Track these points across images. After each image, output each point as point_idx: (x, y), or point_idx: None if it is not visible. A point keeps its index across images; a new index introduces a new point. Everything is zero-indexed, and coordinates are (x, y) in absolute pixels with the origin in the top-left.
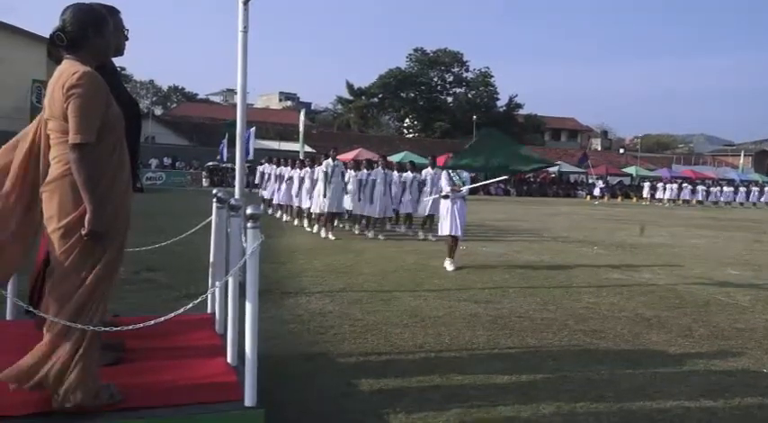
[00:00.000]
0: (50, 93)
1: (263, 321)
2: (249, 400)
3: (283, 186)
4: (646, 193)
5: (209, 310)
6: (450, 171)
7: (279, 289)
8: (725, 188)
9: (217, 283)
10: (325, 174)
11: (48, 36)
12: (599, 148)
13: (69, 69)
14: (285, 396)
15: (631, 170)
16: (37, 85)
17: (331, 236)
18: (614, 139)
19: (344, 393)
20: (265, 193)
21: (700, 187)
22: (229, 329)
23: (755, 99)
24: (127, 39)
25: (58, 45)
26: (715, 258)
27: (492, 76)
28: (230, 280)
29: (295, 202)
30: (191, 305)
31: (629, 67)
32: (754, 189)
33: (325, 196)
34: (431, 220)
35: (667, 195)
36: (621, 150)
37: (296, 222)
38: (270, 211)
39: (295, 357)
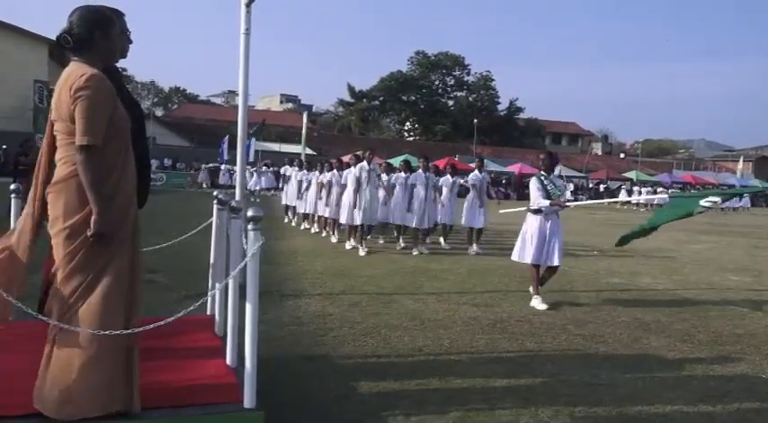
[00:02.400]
0: (57, 94)
1: (262, 323)
2: (249, 401)
3: (309, 193)
4: (623, 195)
5: (208, 312)
6: (543, 177)
7: (279, 291)
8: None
9: (217, 285)
10: (357, 179)
11: (50, 37)
12: (599, 153)
13: (77, 71)
14: (285, 398)
15: (632, 175)
16: (38, 85)
17: (362, 251)
18: (615, 144)
19: (344, 395)
20: (289, 201)
21: (672, 191)
22: (229, 331)
23: (756, 104)
24: (131, 42)
25: (65, 47)
26: (715, 264)
27: (493, 80)
28: (230, 282)
29: (320, 211)
30: (192, 307)
31: (630, 71)
32: None
33: (356, 205)
34: (479, 233)
35: (643, 199)
36: (622, 155)
37: (324, 233)
38: (294, 222)
39: (295, 359)
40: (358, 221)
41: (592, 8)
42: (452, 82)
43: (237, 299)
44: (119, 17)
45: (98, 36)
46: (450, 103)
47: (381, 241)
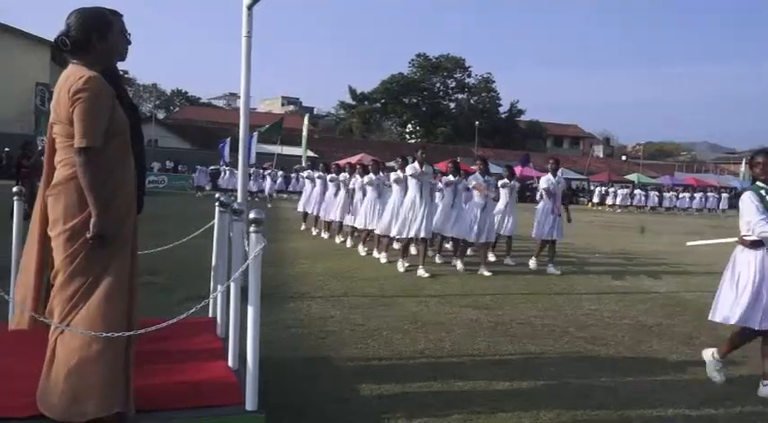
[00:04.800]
0: (56, 97)
1: (264, 325)
2: (250, 404)
3: (336, 199)
4: (596, 198)
5: (210, 314)
6: (765, 190)
7: (280, 293)
8: (681, 194)
9: (219, 287)
10: (398, 181)
11: (53, 40)
12: (601, 155)
13: (75, 74)
14: (286, 400)
15: (633, 177)
16: (40, 88)
17: (424, 272)
18: (617, 146)
19: (345, 398)
20: (308, 207)
21: (652, 193)
22: (231, 333)
23: (759, 107)
24: (129, 42)
25: (63, 50)
26: (716, 266)
27: (494, 82)
28: (232, 284)
29: (349, 220)
30: (194, 309)
31: (631, 74)
32: (711, 195)
33: (398, 215)
34: (552, 247)
35: (619, 201)
36: (624, 157)
37: (349, 243)
38: (327, 234)
39: (296, 362)
40: (411, 234)
41: (592, 10)
42: (453, 84)
43: (239, 301)
44: (117, 18)
45: (96, 38)
46: (452, 105)
47: (438, 260)
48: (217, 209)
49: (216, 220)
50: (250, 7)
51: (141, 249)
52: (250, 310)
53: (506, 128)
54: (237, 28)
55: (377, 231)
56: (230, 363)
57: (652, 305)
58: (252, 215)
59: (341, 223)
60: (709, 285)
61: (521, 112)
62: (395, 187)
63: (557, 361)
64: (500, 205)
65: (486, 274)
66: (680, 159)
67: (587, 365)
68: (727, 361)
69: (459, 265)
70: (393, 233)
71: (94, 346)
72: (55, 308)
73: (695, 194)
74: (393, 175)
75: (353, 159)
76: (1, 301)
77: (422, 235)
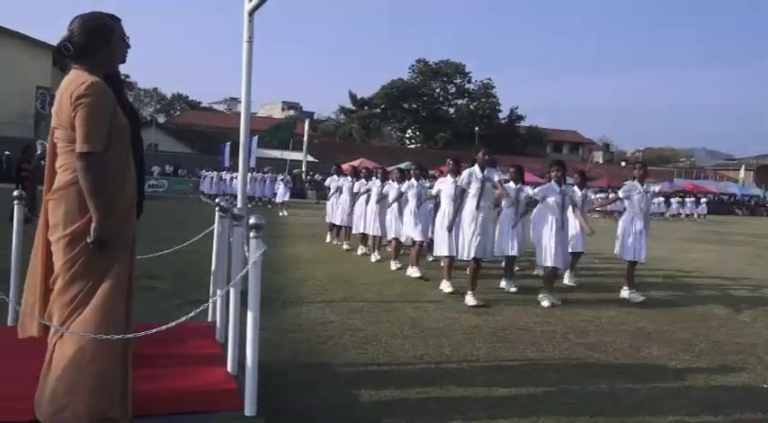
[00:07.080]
0: (58, 102)
1: (263, 330)
2: (249, 409)
3: (368, 209)
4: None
5: (209, 319)
6: None
7: (279, 298)
8: (654, 199)
9: (219, 292)
10: (462, 192)
11: (54, 44)
12: (601, 161)
13: (77, 79)
14: (285, 406)
15: None
16: (41, 91)
17: (471, 300)
18: (616, 152)
19: (344, 403)
20: (335, 218)
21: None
22: (230, 338)
23: (758, 113)
24: (129, 46)
25: (66, 55)
26: (715, 272)
27: (494, 88)
28: (232, 289)
29: (391, 233)
30: (193, 313)
31: (630, 80)
32: (688, 200)
33: (449, 230)
34: (632, 268)
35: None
36: (623, 163)
37: (393, 265)
38: (348, 244)
39: (295, 367)
40: (468, 255)
41: (592, 16)
42: (453, 90)
43: (239, 306)
44: (117, 23)
45: (98, 44)
46: (451, 110)
47: (513, 288)
48: (217, 214)
49: (216, 225)
50: (251, 13)
51: (141, 254)
52: (249, 315)
53: (506, 133)
54: (238, 33)
55: (436, 253)
56: (229, 368)
57: (651, 311)
58: (252, 220)
59: (365, 235)
60: (708, 291)
61: (520, 117)
62: (444, 196)
63: (556, 367)
64: (572, 221)
65: (546, 304)
66: (679, 165)
67: (586, 372)
68: (726, 368)
69: (546, 300)
70: (466, 255)
71: (89, 349)
72: (54, 312)
73: (671, 200)
74: (439, 182)
75: (354, 163)
76: (0, 303)
77: (481, 256)
